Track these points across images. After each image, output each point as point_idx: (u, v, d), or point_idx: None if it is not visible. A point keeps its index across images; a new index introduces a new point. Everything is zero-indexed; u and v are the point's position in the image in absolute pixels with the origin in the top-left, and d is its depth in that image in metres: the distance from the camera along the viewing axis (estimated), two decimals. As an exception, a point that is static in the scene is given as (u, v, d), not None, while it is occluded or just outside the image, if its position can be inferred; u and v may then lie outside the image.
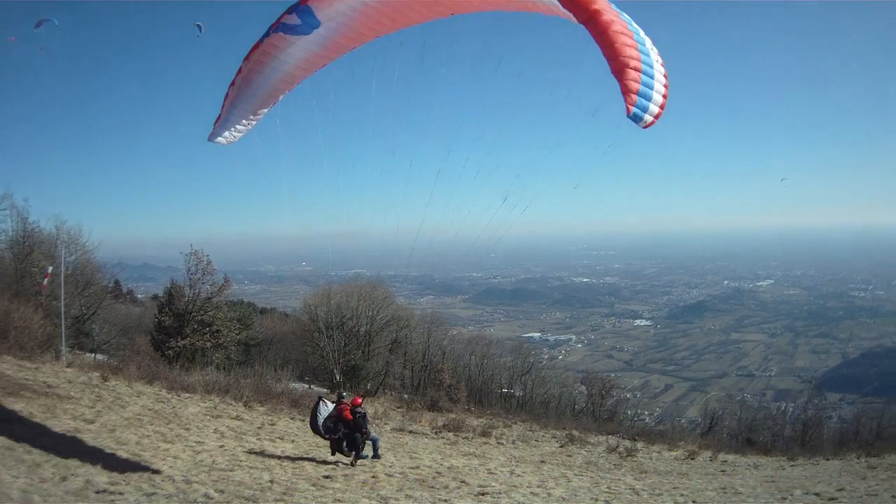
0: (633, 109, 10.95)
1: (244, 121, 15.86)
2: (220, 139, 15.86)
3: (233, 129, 15.87)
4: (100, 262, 44.43)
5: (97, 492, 11.05)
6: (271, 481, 14.57)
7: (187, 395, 25.71)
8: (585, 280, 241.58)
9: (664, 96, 11.57)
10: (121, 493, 11.18)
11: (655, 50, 11.86)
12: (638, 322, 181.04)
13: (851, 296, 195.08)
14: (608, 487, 20.05)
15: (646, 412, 71.35)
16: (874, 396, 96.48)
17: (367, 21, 13.74)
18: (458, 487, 17.00)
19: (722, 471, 27.49)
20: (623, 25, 11.11)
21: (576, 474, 22.82)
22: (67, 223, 41.18)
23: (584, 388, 55.20)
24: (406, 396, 43.15)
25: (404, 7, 13.38)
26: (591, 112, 12.06)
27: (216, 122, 15.71)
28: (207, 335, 39.11)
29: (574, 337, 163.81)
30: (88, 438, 15.48)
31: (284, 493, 13.53)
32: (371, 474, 17.37)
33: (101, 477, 11.88)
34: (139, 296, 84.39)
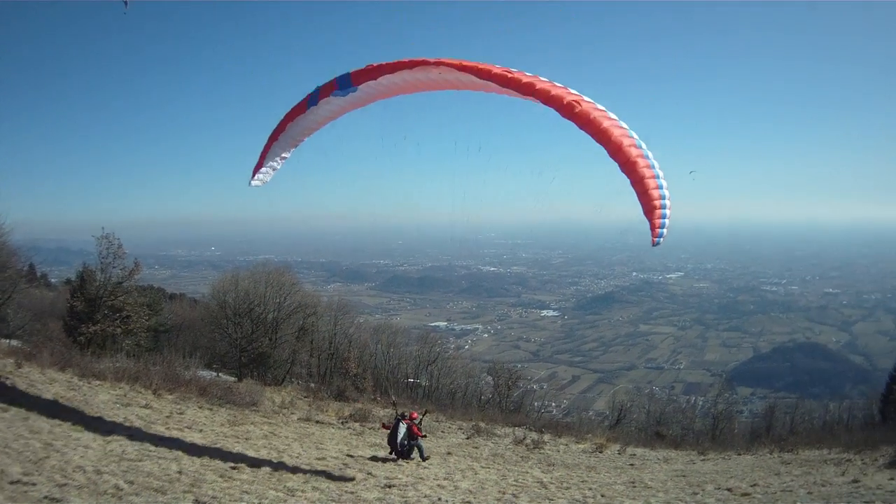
0: (657, 240, 15.69)
1: (272, 162, 19.42)
2: (255, 182, 19.56)
3: (265, 171, 19.51)
4: (15, 244, 43.30)
5: (11, 482, 11.37)
6: (180, 472, 14.93)
7: (98, 382, 25.63)
8: (492, 269, 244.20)
9: (669, 217, 15.73)
10: (33, 484, 11.52)
11: (658, 167, 15.65)
12: (545, 312, 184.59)
13: (763, 290, 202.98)
14: (515, 480, 20.94)
15: (553, 404, 72.83)
16: (786, 391, 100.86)
17: (395, 88, 17.71)
18: (365, 479, 17.74)
19: (631, 464, 28.79)
20: (652, 173, 15.36)
21: (483, 466, 23.71)
22: (-15, 205, 40.11)
23: (490, 378, 56.09)
24: (312, 385, 43.46)
25: (430, 82, 17.25)
26: (621, 232, 15.71)
27: (255, 169, 19.46)
28: (118, 321, 38.74)
29: (480, 327, 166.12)
30: (2, 427, 15.61)
31: (192, 485, 13.97)
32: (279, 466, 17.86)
33: (14, 467, 12.17)
34: (53, 280, 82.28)
